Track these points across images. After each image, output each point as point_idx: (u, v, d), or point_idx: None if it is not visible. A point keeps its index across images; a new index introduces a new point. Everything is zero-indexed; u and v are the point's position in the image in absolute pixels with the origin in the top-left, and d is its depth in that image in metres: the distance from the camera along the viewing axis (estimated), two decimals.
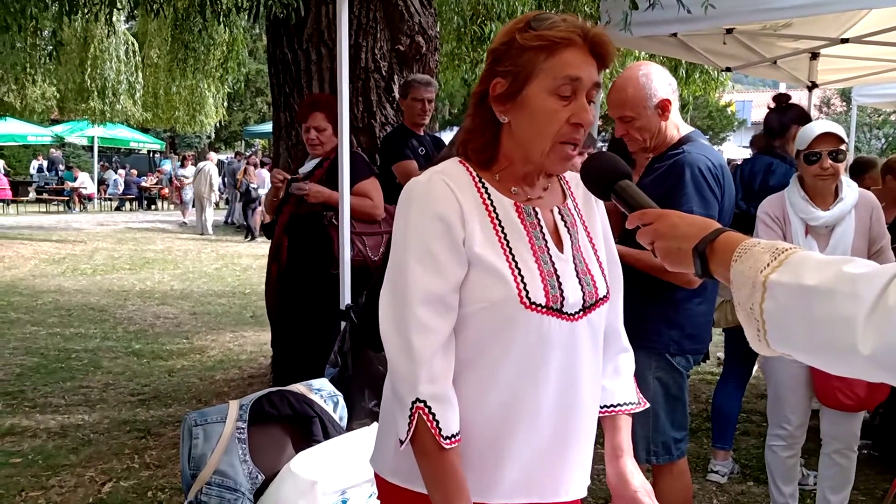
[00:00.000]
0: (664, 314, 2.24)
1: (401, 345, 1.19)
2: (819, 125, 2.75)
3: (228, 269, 10.47)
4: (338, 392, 1.98)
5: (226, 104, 15.71)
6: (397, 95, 4.20)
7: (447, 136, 3.42)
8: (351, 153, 3.40)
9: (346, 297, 3.19)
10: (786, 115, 3.55)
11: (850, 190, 2.80)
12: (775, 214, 2.79)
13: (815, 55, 5.52)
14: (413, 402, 1.16)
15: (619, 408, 1.41)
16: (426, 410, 1.16)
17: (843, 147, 2.69)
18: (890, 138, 28.18)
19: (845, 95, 22.51)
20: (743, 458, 3.80)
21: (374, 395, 2.62)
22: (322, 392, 1.94)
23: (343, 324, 3.05)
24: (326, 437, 1.88)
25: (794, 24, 4.75)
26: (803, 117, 3.54)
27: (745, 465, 3.71)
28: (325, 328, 3.29)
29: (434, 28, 4.50)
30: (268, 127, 20.15)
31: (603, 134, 16.61)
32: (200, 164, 15.84)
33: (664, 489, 2.26)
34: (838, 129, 2.71)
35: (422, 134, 4.04)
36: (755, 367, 3.87)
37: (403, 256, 1.22)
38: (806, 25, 4.81)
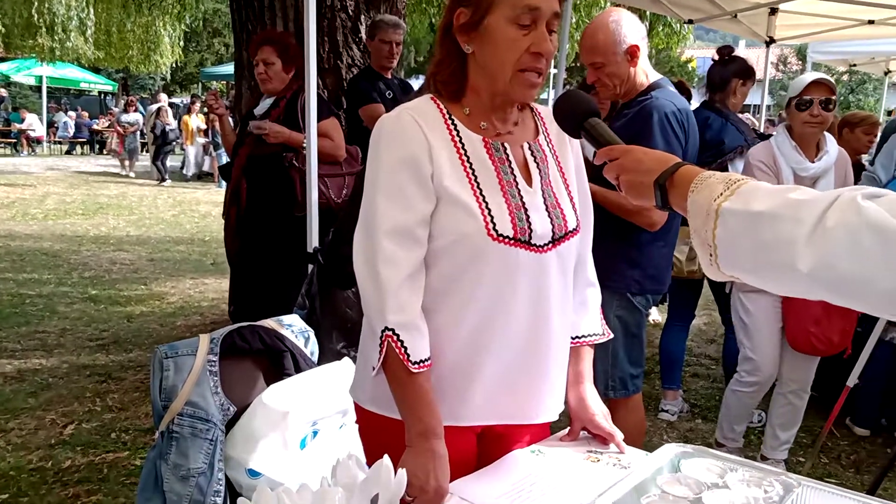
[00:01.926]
0: (628, 255, 2.31)
1: (370, 276, 1.23)
2: (812, 74, 2.82)
3: (186, 215, 10.30)
4: (308, 328, 2.01)
5: (182, 44, 15.11)
6: (364, 36, 4.13)
7: (415, 84, 3.38)
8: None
9: (313, 241, 3.19)
10: (727, 67, 3.46)
11: (833, 144, 2.89)
12: (767, 162, 2.83)
13: (773, 10, 5.61)
14: (382, 331, 1.22)
15: (584, 339, 1.48)
16: (395, 338, 1.21)
17: (833, 98, 2.74)
18: (841, 97, 28.77)
19: (801, 53, 22.81)
20: (692, 398, 3.99)
21: (342, 337, 2.64)
22: (293, 327, 1.97)
23: (310, 267, 3.05)
24: (298, 370, 1.92)
25: None
26: (745, 71, 3.48)
27: (695, 404, 3.90)
28: (288, 272, 3.26)
29: None
30: (226, 69, 19.52)
31: (568, 87, 16.56)
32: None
33: (619, 422, 2.31)
34: (830, 80, 2.76)
35: (389, 77, 4.00)
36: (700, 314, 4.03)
37: (373, 191, 1.25)
38: None
